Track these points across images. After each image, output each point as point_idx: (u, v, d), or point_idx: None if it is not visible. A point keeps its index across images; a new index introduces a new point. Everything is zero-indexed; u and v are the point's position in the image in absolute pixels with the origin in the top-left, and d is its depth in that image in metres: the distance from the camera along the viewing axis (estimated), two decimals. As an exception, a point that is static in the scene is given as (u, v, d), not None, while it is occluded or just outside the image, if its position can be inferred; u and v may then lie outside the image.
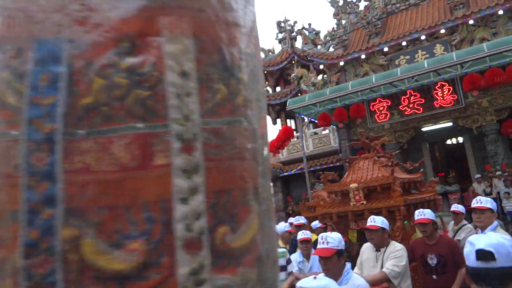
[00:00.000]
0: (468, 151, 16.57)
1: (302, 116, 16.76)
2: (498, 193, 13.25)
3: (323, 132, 19.37)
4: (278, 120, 22.05)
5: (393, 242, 3.88)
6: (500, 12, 14.55)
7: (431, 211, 5.77)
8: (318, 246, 2.98)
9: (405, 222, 4.54)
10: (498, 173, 13.73)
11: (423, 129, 16.47)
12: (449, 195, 13.77)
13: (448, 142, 18.47)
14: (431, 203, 5.32)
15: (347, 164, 5.71)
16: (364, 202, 4.83)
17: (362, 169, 5.33)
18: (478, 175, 14.61)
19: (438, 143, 18.56)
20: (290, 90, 20.06)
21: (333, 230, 6.80)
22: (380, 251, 3.84)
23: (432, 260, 4.05)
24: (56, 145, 0.57)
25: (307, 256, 5.06)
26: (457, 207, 6.38)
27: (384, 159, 5.21)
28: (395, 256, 3.68)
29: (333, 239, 2.99)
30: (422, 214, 4.12)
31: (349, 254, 5.09)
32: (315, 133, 19.75)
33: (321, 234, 3.09)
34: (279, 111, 21.32)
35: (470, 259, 1.70)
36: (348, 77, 17.36)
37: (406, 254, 3.78)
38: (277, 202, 19.44)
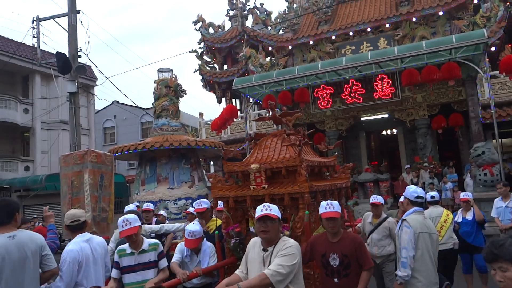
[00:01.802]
0: (400, 142, 17.56)
1: (248, 96, 16.72)
2: (424, 183, 14.22)
3: (267, 114, 19.51)
4: (223, 99, 21.86)
5: (285, 237, 3.13)
6: (441, 13, 15.36)
7: (345, 200, 5.29)
8: None
9: (307, 212, 3.81)
10: (425, 164, 14.71)
11: (362, 118, 17.15)
12: (380, 183, 14.54)
13: (384, 132, 19.42)
14: (342, 192, 4.66)
15: (253, 141, 4.73)
16: (266, 186, 4.00)
17: (269, 148, 4.44)
18: (407, 166, 15.57)
19: (374, 133, 19.46)
20: (238, 69, 19.90)
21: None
22: (267, 251, 3.05)
23: (335, 261, 3.43)
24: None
25: (196, 249, 4.39)
26: (376, 198, 5.76)
27: (293, 137, 4.31)
28: (284, 254, 2.93)
29: None
30: (331, 206, 3.40)
31: (244, 247, 4.11)
32: (260, 115, 19.85)
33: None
34: (225, 89, 21.12)
35: None
36: (295, 62, 17.55)
37: (299, 252, 3.05)
38: (217, 181, 19.41)
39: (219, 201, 4.65)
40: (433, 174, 14.27)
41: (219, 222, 5.03)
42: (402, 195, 4.40)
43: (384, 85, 14.85)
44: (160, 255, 3.95)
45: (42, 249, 3.48)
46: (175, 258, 4.35)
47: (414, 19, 15.69)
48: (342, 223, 3.92)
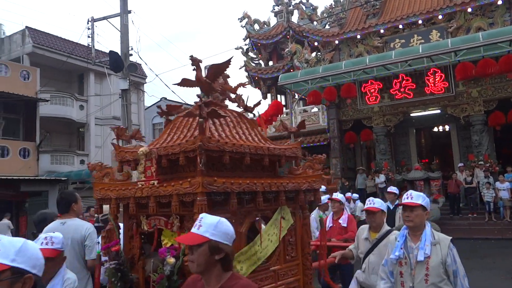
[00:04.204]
0: (453, 139, 16.79)
1: (293, 92, 16.65)
2: (479, 182, 13.52)
3: (313, 110, 19.32)
4: (269, 95, 21.87)
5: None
6: (499, 2, 14.44)
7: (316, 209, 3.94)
8: None
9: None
10: (481, 163, 13.96)
11: (412, 114, 16.55)
12: (431, 182, 13.99)
13: (435, 129, 18.65)
14: (301, 197, 3.01)
15: (164, 117, 3.28)
16: (156, 181, 2.55)
17: (183, 127, 2.98)
18: (460, 164, 14.85)
19: (425, 130, 18.74)
20: (283, 65, 19.82)
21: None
22: None
23: None
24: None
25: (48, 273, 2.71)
26: (372, 203, 3.94)
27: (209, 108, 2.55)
28: None
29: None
30: (197, 225, 1.87)
31: (125, 278, 2.66)
32: (305, 111, 19.69)
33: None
34: (270, 85, 21.11)
35: None
36: (342, 57, 17.21)
37: None
38: (261, 177, 19.49)
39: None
40: (489, 173, 13.51)
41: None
42: (402, 203, 3.16)
43: (436, 80, 14.24)
44: None
45: (85, 239, 3.77)
46: None
47: (469, 10, 14.86)
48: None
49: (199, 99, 2.88)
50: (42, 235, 2.75)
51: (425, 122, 17.39)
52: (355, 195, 11.13)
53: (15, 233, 14.42)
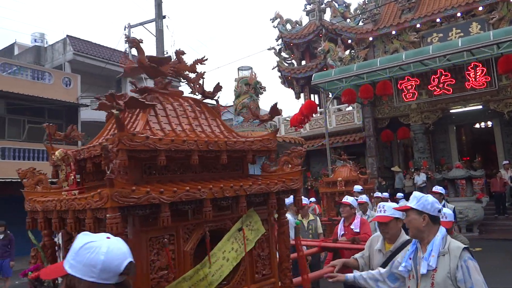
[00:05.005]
0: (497, 135, 16.08)
1: (327, 91, 16.47)
2: (525, 180, 12.88)
3: (347, 109, 19.03)
4: (302, 95, 21.74)
5: None
6: (545, -10, 13.71)
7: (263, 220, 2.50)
8: None
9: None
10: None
11: (452, 110, 15.99)
12: (473, 180, 13.45)
13: (477, 125, 17.94)
14: (273, 200, 2.38)
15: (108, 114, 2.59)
16: (76, 192, 2.08)
17: (130, 121, 2.48)
18: (505, 162, 14.20)
19: (465, 126, 18.06)
20: (316, 64, 19.65)
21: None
22: None
23: None
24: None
25: None
26: (382, 210, 3.34)
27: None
28: None
29: None
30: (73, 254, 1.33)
31: None
32: (339, 110, 19.43)
33: None
34: (304, 85, 20.98)
35: None
36: (376, 53, 16.86)
37: None
38: (296, 177, 19.36)
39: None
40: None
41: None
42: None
43: (477, 74, 13.69)
44: None
45: None
46: None
47: (512, -1, 14.19)
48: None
49: (134, 86, 2.42)
50: None
51: (465, 119, 16.76)
52: (400, 194, 10.92)
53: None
